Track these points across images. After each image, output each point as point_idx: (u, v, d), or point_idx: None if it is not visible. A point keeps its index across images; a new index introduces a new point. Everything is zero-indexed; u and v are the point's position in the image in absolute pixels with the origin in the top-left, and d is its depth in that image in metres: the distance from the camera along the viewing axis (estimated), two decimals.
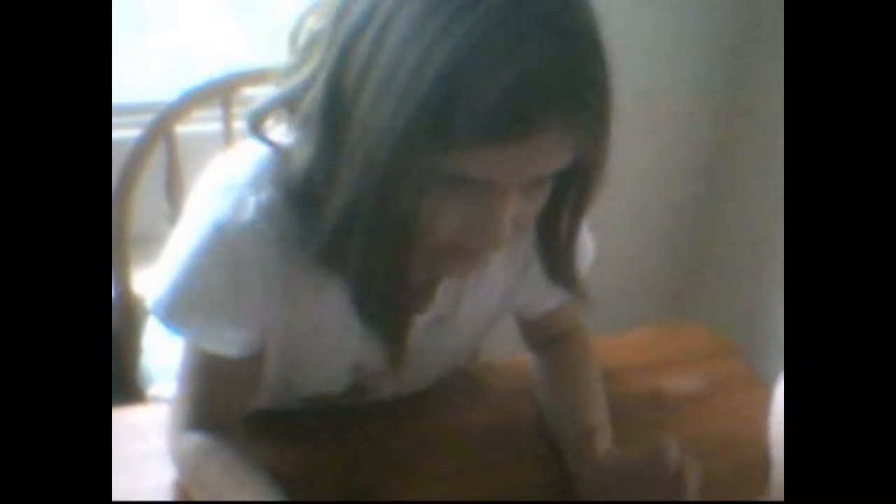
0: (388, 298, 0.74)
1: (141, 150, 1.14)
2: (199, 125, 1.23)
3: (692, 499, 0.75)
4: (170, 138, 1.16)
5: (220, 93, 1.18)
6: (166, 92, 1.17)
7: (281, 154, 0.74)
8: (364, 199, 0.66)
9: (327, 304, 0.79)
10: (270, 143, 0.74)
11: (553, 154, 0.65)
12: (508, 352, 1.03)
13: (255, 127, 0.74)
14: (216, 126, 1.21)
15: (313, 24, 0.71)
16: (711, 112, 1.85)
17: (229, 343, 0.78)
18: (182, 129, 1.17)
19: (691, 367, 1.05)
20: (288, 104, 0.72)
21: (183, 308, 0.77)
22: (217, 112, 1.19)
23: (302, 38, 0.71)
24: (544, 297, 0.93)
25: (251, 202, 0.73)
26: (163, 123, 1.15)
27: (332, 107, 0.67)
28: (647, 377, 1.03)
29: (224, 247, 0.74)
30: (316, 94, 0.68)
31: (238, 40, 1.49)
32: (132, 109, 1.35)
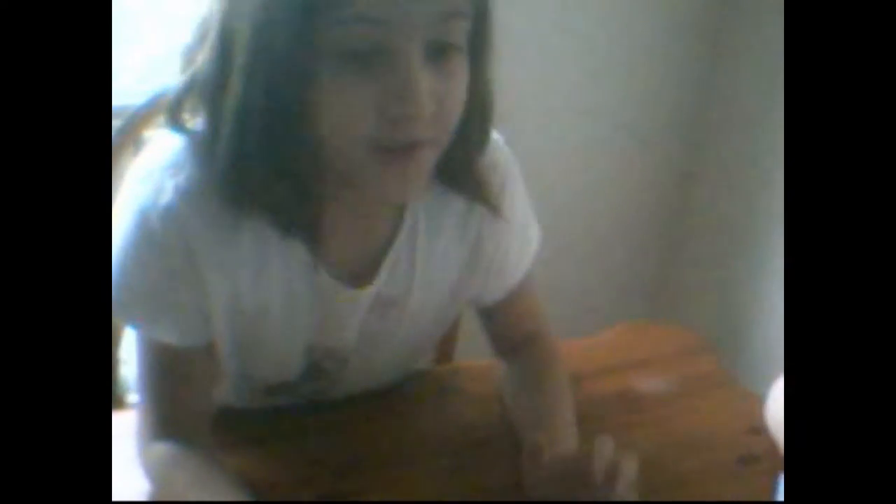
0: (308, 210, 0.74)
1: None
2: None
3: (622, 498, 0.73)
4: (139, 144, 1.15)
5: None
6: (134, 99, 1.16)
7: (198, 136, 0.74)
8: (254, 99, 0.66)
9: (269, 283, 0.78)
10: (187, 131, 0.74)
11: None
12: (481, 356, 1.02)
13: (173, 118, 0.74)
14: None
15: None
16: (687, 109, 1.87)
17: (173, 331, 0.78)
18: (151, 134, 1.16)
19: (662, 367, 1.05)
20: (199, 89, 0.72)
21: (124, 300, 0.77)
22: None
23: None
24: (498, 281, 0.93)
25: (170, 185, 0.73)
26: (131, 128, 1.14)
27: (222, 47, 0.68)
28: (617, 378, 1.03)
29: (149, 234, 0.74)
30: (207, 51, 0.69)
31: None
32: None
